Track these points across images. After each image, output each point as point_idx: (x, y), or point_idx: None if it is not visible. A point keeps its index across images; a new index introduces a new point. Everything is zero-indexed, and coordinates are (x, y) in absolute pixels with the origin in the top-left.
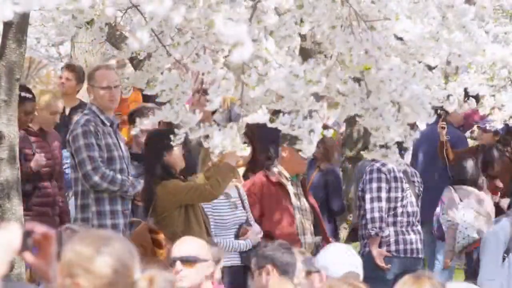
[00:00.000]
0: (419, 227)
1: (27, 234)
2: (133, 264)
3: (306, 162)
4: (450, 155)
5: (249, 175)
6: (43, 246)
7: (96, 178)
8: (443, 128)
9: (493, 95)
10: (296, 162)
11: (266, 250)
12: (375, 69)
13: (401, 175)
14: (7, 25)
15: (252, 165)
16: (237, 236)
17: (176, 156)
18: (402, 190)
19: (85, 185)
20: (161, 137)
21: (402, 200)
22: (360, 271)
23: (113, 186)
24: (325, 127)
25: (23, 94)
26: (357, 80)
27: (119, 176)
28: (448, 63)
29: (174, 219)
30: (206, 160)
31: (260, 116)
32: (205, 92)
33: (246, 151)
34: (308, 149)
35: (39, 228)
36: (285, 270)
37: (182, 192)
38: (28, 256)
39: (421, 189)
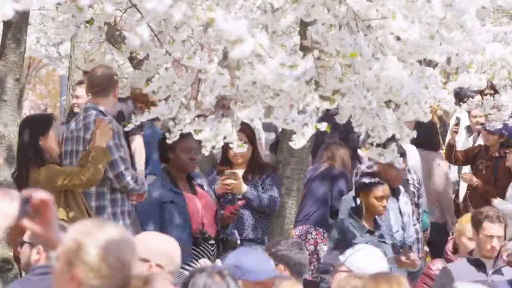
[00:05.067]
0: (417, 226)
1: (25, 200)
2: (131, 261)
3: None
4: (458, 157)
5: (248, 176)
6: (41, 211)
7: (129, 179)
8: (455, 132)
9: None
10: None
11: (280, 249)
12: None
13: None
14: (7, 24)
15: (252, 166)
16: None
17: (51, 141)
18: None
19: (100, 187)
20: (36, 121)
21: None
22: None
23: (137, 186)
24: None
25: None
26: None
27: (138, 175)
28: (448, 62)
29: None
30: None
31: (253, 112)
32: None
33: (243, 147)
34: (299, 142)
35: (37, 194)
36: (297, 271)
37: (60, 177)
38: (27, 222)
39: (418, 186)
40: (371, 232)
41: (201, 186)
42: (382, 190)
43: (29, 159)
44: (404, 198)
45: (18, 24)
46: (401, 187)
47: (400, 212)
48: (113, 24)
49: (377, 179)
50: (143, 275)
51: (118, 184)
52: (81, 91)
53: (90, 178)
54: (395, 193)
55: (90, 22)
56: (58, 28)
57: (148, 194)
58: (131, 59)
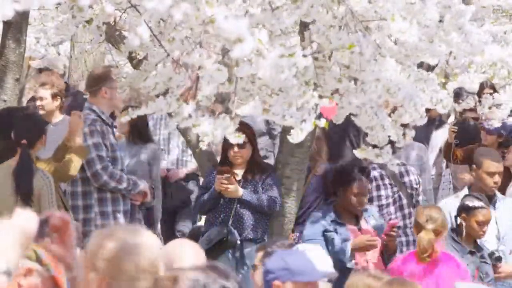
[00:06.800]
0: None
1: (43, 221)
2: (158, 261)
3: None
4: (457, 156)
5: (248, 176)
6: (60, 232)
7: (106, 177)
8: (453, 132)
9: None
10: None
11: (274, 249)
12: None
13: (387, 181)
14: (7, 24)
15: (251, 166)
16: None
17: None
18: (386, 198)
19: (87, 186)
20: (10, 114)
21: (387, 206)
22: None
23: (120, 185)
24: None
25: None
26: (355, 80)
27: (124, 175)
28: (448, 62)
29: None
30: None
31: (252, 108)
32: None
33: (241, 138)
34: (297, 137)
35: (56, 214)
36: None
37: None
38: (45, 244)
39: (416, 186)
40: (472, 253)
41: (365, 219)
42: (483, 215)
43: (2, 152)
44: (504, 206)
45: (18, 24)
46: (499, 194)
47: (497, 221)
48: (112, 24)
49: (480, 204)
50: (171, 274)
51: (96, 183)
52: (44, 92)
53: (64, 171)
54: (494, 201)
55: (89, 22)
56: (58, 28)
57: (312, 223)
58: (130, 59)
